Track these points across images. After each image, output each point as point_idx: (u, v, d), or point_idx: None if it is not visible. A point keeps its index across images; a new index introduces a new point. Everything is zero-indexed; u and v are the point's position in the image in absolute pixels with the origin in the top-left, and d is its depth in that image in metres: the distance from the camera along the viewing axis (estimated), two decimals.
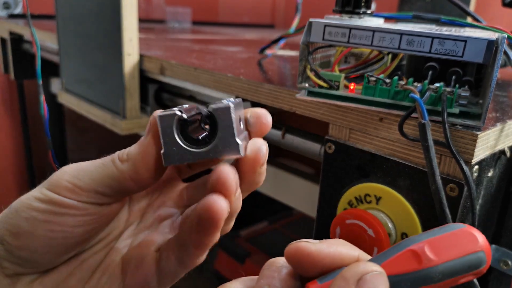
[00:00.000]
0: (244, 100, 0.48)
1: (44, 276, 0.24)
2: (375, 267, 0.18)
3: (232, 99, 0.22)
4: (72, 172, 0.23)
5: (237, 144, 0.21)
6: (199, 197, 0.27)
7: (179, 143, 0.21)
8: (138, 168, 0.22)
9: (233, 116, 0.21)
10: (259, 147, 0.22)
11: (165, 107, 0.65)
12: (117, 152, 0.23)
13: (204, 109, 0.22)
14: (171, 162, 0.21)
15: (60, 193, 0.22)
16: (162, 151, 0.21)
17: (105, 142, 1.35)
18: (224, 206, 0.21)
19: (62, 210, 0.22)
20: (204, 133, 0.22)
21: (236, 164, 0.22)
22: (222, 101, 0.21)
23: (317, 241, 0.19)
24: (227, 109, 0.21)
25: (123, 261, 0.26)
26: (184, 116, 0.21)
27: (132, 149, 0.23)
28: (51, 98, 1.07)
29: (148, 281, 0.25)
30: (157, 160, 0.22)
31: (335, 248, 0.19)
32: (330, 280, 0.18)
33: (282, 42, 0.68)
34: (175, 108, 0.21)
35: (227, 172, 0.21)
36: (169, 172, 0.28)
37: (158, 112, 0.21)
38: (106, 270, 0.25)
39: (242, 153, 0.21)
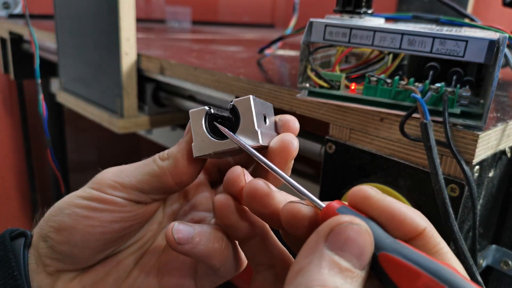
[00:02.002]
0: None
1: (82, 275, 0.26)
2: (354, 219, 0.16)
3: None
4: (114, 172, 0.25)
5: (256, 132, 0.22)
6: None
7: (207, 136, 0.23)
8: (177, 163, 0.24)
9: (253, 107, 0.22)
10: (290, 139, 0.23)
11: (162, 106, 0.66)
12: (158, 154, 0.25)
13: (229, 104, 0.23)
14: (200, 153, 0.23)
15: (101, 190, 0.24)
16: (192, 144, 0.23)
17: (104, 141, 1.36)
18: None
19: (101, 206, 0.24)
20: (228, 126, 0.23)
21: (269, 156, 0.23)
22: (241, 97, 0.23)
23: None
24: (247, 100, 0.23)
25: (160, 263, 0.26)
26: (212, 111, 0.23)
27: (172, 148, 0.25)
28: (51, 98, 1.07)
29: (185, 284, 0.26)
30: (194, 158, 0.24)
31: (399, 206, 0.18)
32: (349, 214, 0.17)
33: (279, 43, 0.68)
34: (207, 107, 0.23)
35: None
36: (201, 177, 0.29)
37: (191, 110, 0.24)
38: (142, 270, 0.26)
39: (261, 141, 0.22)
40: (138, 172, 0.24)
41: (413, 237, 0.18)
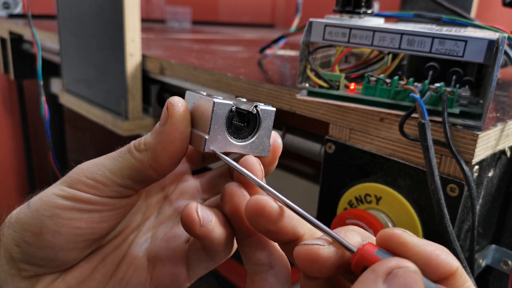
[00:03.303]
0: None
1: (65, 275, 0.24)
2: (409, 264, 0.17)
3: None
4: (90, 168, 0.23)
5: (269, 145, 0.23)
6: (215, 190, 0.28)
7: (225, 133, 0.22)
8: (158, 156, 0.22)
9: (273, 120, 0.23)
10: (274, 138, 0.24)
11: None
12: (132, 142, 0.23)
13: (251, 107, 0.23)
14: (211, 149, 0.22)
15: (82, 190, 0.22)
16: (206, 136, 0.22)
17: (104, 141, 1.35)
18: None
19: (88, 207, 0.22)
20: (243, 129, 0.23)
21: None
22: (260, 103, 0.23)
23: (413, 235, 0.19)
24: (272, 112, 0.23)
25: (150, 253, 0.26)
26: (233, 108, 0.22)
27: (149, 138, 0.23)
28: (51, 98, 1.07)
29: (178, 272, 0.25)
30: (177, 148, 0.23)
31: (434, 249, 0.18)
32: (387, 258, 0.17)
33: (281, 42, 0.68)
34: (220, 98, 0.22)
35: (254, 163, 0.22)
36: (185, 166, 0.29)
37: (214, 99, 0.22)
38: (131, 263, 0.26)
39: (269, 154, 0.24)
40: (115, 167, 0.23)
41: (446, 278, 0.18)
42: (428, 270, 0.18)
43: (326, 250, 0.19)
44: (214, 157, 0.28)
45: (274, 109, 0.23)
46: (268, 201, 0.20)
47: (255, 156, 0.23)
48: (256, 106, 0.23)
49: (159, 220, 0.28)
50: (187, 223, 0.22)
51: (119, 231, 0.26)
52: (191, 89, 0.25)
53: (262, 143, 0.23)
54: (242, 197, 0.22)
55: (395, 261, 0.17)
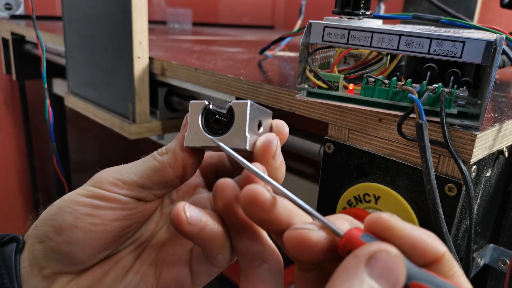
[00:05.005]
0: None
1: (79, 277, 0.26)
2: (391, 248, 0.17)
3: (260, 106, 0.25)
4: (114, 170, 0.25)
5: (246, 137, 0.23)
6: None
7: (200, 128, 0.24)
8: (177, 156, 0.24)
9: (248, 113, 0.23)
10: (270, 139, 0.24)
11: (175, 111, 0.65)
12: (156, 150, 0.26)
13: (228, 104, 0.24)
14: (190, 144, 0.24)
15: (103, 188, 0.24)
16: (185, 133, 0.24)
17: (106, 142, 1.36)
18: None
19: (103, 204, 0.24)
20: (224, 126, 0.24)
21: (252, 158, 0.24)
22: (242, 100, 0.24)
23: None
24: (244, 104, 0.24)
25: (157, 260, 0.27)
26: (211, 106, 0.24)
27: (170, 143, 0.25)
28: (53, 99, 1.07)
29: (182, 279, 0.26)
30: (193, 149, 0.25)
31: (420, 233, 0.18)
32: (371, 242, 0.17)
33: (283, 44, 0.68)
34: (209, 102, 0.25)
35: (258, 166, 0.22)
36: (198, 179, 0.30)
37: (192, 101, 0.25)
38: (139, 269, 0.27)
39: (248, 147, 0.23)
40: (139, 169, 0.25)
41: (433, 262, 0.18)
42: (414, 254, 0.18)
43: (316, 234, 0.19)
44: (228, 172, 0.29)
45: (248, 101, 0.23)
46: (262, 190, 0.20)
47: (233, 149, 0.23)
48: (231, 102, 0.24)
49: (170, 230, 0.29)
50: (174, 221, 0.22)
51: (135, 238, 0.27)
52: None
53: (238, 135, 0.23)
54: (234, 191, 0.22)
55: (376, 245, 0.17)
